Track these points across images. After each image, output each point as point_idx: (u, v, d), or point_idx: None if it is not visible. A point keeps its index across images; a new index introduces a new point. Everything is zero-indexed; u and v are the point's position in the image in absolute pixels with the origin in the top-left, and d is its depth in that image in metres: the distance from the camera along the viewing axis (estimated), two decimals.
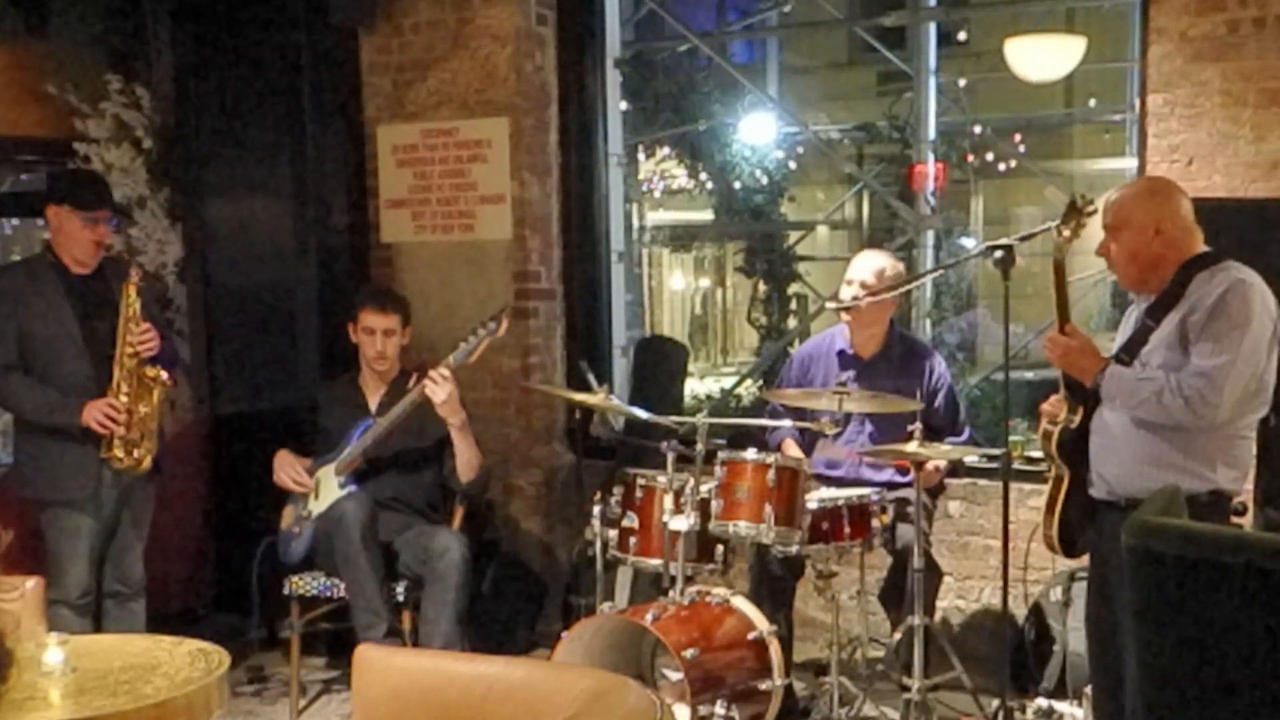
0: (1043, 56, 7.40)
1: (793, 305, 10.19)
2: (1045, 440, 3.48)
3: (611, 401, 4.52)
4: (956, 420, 4.47)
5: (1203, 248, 3.33)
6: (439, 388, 4.29)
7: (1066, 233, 3.36)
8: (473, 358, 4.35)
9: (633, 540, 4.17)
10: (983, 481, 4.85)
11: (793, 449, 4.46)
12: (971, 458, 4.57)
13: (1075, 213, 3.37)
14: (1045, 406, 3.53)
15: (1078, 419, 3.41)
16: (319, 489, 4.53)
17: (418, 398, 4.34)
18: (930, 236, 7.64)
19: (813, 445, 4.51)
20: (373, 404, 4.64)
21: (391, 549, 4.46)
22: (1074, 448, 3.44)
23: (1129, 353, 3.34)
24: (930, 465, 4.24)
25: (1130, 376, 3.27)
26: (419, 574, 4.37)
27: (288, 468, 4.55)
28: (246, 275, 5.92)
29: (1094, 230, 3.47)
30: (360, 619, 4.28)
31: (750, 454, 4.05)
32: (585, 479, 5.11)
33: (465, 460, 4.50)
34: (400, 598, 4.39)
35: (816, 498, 4.07)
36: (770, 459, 4.01)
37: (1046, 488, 3.52)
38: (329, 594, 4.46)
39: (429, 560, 4.33)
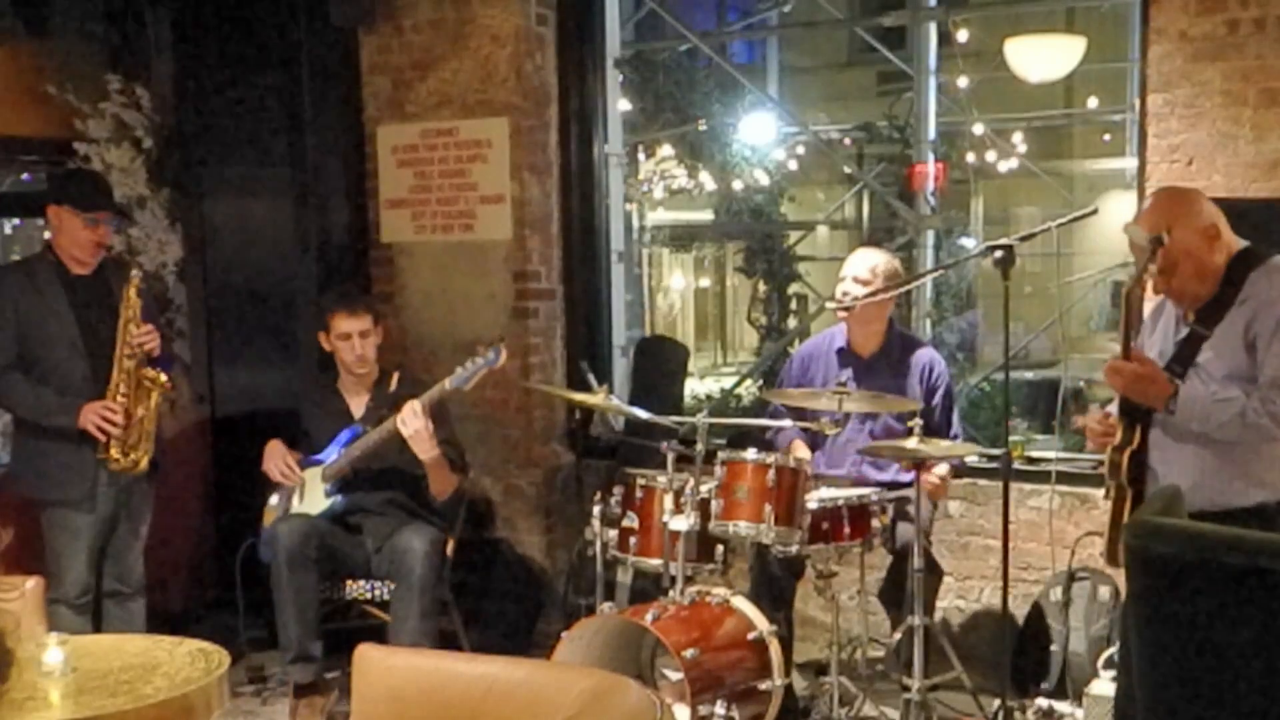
0: (1043, 56, 7.42)
1: (793, 305, 10.22)
2: (1114, 469, 3.31)
3: (611, 401, 4.51)
4: (950, 421, 4.45)
5: (1241, 240, 3.24)
6: (407, 424, 4.26)
7: (1154, 267, 3.17)
8: (469, 385, 4.30)
9: (633, 540, 4.16)
10: (983, 481, 4.85)
11: (801, 450, 4.43)
12: (972, 458, 4.57)
13: (1159, 246, 3.19)
14: (1092, 425, 3.38)
15: (1137, 438, 3.28)
16: (304, 490, 4.51)
17: (391, 428, 4.32)
18: (930, 236, 7.66)
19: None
20: (356, 410, 4.59)
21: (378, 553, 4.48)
22: (1136, 467, 3.31)
23: (1180, 364, 3.20)
24: (935, 477, 4.21)
25: (1206, 399, 3.12)
26: (390, 575, 4.39)
27: (278, 459, 4.51)
28: (246, 275, 5.92)
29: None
30: (280, 641, 4.32)
31: (750, 454, 4.04)
32: (585, 479, 5.11)
33: (438, 487, 4.49)
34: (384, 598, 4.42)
35: (816, 498, 4.07)
36: (770, 459, 4.00)
37: (1109, 506, 3.35)
38: (327, 594, 4.45)
39: (394, 559, 4.35)
